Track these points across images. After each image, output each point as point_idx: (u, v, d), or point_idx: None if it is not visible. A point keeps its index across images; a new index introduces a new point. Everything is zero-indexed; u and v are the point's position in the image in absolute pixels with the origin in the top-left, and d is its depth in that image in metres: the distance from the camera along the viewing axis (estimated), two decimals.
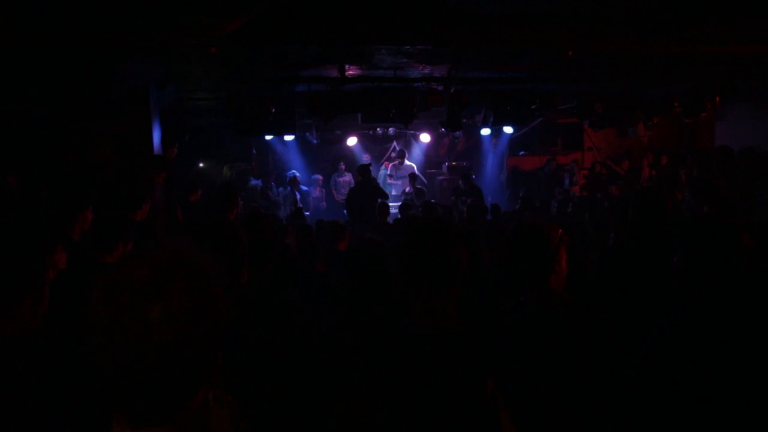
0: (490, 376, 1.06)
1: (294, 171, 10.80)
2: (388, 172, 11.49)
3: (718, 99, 8.79)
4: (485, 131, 10.57)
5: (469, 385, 1.15)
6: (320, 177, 11.51)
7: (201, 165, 10.96)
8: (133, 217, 4.30)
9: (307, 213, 9.74)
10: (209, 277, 0.92)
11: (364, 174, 8.88)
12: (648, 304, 2.63)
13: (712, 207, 4.23)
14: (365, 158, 12.66)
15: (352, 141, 11.84)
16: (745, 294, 1.95)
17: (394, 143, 12.42)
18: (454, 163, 11.98)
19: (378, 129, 11.97)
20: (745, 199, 5.15)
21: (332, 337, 2.71)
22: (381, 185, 11.55)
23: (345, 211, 10.13)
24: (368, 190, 8.59)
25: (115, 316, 0.83)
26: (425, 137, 12.03)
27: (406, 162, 11.52)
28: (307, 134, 11.06)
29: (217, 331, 0.91)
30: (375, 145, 12.71)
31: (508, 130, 10.45)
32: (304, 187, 10.99)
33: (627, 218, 3.37)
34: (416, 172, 11.57)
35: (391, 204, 8.17)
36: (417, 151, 12.72)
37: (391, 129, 11.96)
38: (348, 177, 11.51)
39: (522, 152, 12.22)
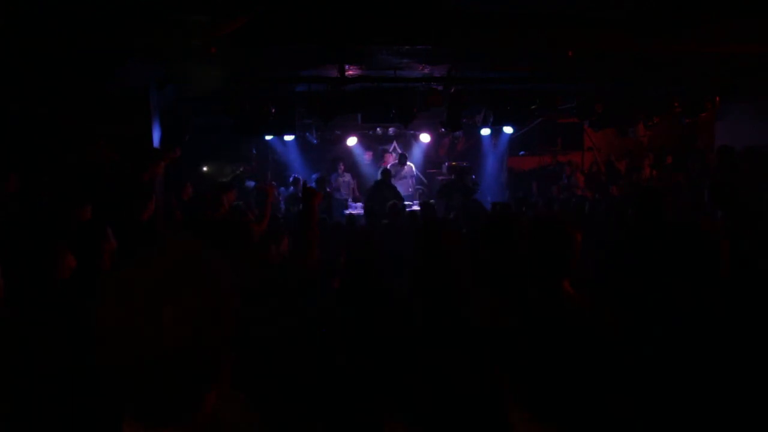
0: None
1: (296, 174, 10.81)
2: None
3: (718, 99, 8.78)
4: (485, 131, 10.56)
5: None
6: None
7: (205, 169, 10.92)
8: (140, 218, 4.29)
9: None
10: (221, 278, 0.92)
11: (385, 176, 9.34)
12: (648, 304, 2.63)
13: (727, 210, 4.20)
14: (366, 157, 12.65)
15: (352, 141, 11.84)
16: (743, 298, 1.95)
17: (394, 143, 12.42)
18: (454, 163, 11.98)
19: (378, 129, 11.96)
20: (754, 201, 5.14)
21: (332, 336, 2.71)
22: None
23: (345, 211, 10.15)
24: (385, 192, 8.79)
25: (128, 317, 0.83)
26: (425, 137, 12.03)
27: (407, 164, 11.54)
28: (307, 134, 11.05)
29: (228, 331, 0.91)
30: (375, 145, 12.70)
31: (508, 130, 10.44)
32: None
33: (626, 218, 3.37)
34: (414, 172, 11.56)
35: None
36: (417, 151, 12.73)
37: (391, 129, 11.95)
38: (347, 177, 11.50)
39: (522, 152, 12.21)
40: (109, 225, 3.03)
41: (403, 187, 10.91)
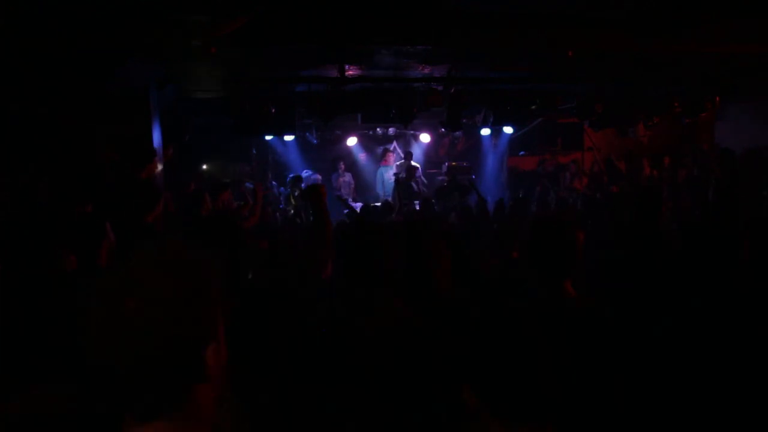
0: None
1: (306, 172, 10.88)
2: (395, 172, 11.48)
3: (718, 99, 8.79)
4: (485, 131, 10.56)
5: None
6: (319, 177, 11.50)
7: (204, 167, 10.91)
8: (145, 219, 4.27)
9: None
10: (206, 275, 0.93)
11: (408, 172, 9.86)
12: (645, 305, 2.63)
13: (731, 209, 4.19)
14: (361, 157, 12.66)
15: (352, 141, 11.83)
16: (744, 296, 1.95)
17: (394, 143, 12.42)
18: (454, 163, 11.97)
19: (378, 129, 11.96)
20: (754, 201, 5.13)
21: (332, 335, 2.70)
22: (382, 185, 11.59)
23: (345, 211, 10.14)
24: (405, 189, 8.98)
25: (114, 314, 0.86)
26: (425, 137, 12.02)
27: (412, 163, 11.54)
28: (307, 134, 11.05)
29: (214, 326, 0.92)
30: (375, 145, 12.71)
31: (508, 130, 10.44)
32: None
33: (621, 217, 3.37)
34: (419, 173, 11.54)
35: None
36: (417, 151, 12.73)
37: (391, 129, 11.95)
38: (348, 177, 11.48)
39: (522, 152, 12.21)
40: (108, 222, 3.03)
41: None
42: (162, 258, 0.92)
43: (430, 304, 1.97)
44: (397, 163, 11.53)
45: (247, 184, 10.56)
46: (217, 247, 2.14)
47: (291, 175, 10.48)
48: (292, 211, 9.07)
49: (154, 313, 0.86)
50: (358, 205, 10.46)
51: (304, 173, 11.23)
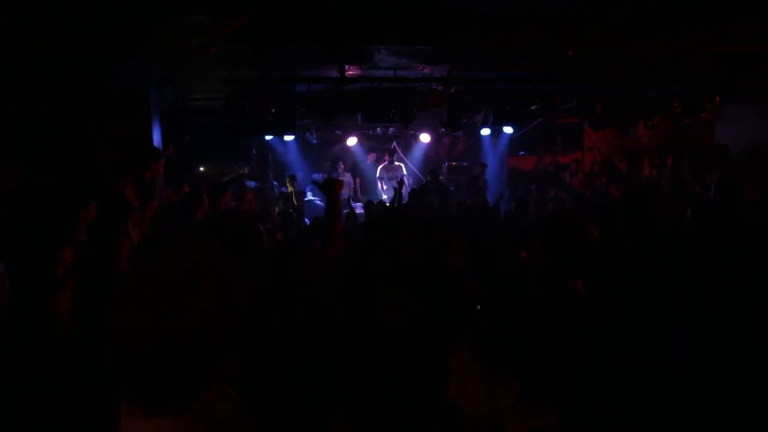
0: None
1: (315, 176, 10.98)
2: (378, 175, 11.48)
3: (718, 99, 8.79)
4: (485, 131, 10.56)
5: None
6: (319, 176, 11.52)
7: (201, 169, 10.90)
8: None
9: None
10: (231, 276, 0.95)
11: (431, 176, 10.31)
12: (642, 306, 2.62)
13: (734, 209, 4.16)
14: (370, 158, 12.67)
15: (352, 141, 11.84)
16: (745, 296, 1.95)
17: (394, 143, 12.43)
18: (454, 163, 11.97)
19: (378, 129, 11.97)
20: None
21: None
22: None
23: (345, 210, 10.14)
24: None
25: (139, 310, 0.87)
26: (425, 137, 12.03)
27: (395, 163, 11.53)
28: (307, 134, 11.06)
29: (231, 327, 0.94)
30: (375, 145, 12.72)
31: (508, 130, 10.45)
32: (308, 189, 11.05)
33: (612, 219, 3.34)
34: (404, 172, 11.53)
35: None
36: (417, 151, 12.73)
37: (391, 129, 11.96)
38: (347, 177, 11.48)
39: (522, 152, 12.21)
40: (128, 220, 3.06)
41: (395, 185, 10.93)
42: (197, 258, 0.94)
43: (451, 301, 1.98)
44: (383, 165, 11.51)
45: (248, 183, 10.59)
46: (238, 249, 2.15)
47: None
48: (292, 212, 9.08)
49: (189, 311, 0.87)
50: (358, 205, 10.47)
51: (314, 176, 11.30)
